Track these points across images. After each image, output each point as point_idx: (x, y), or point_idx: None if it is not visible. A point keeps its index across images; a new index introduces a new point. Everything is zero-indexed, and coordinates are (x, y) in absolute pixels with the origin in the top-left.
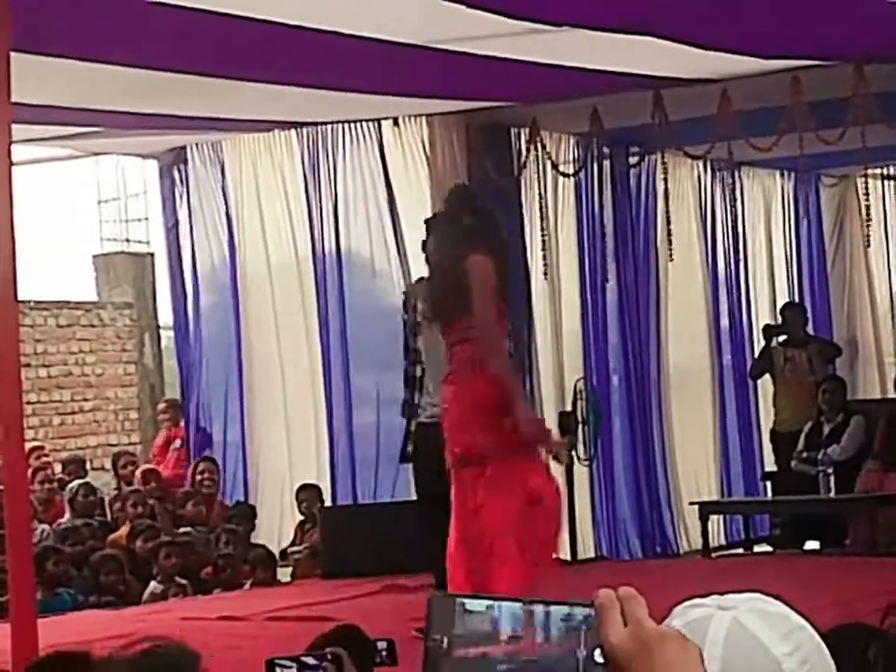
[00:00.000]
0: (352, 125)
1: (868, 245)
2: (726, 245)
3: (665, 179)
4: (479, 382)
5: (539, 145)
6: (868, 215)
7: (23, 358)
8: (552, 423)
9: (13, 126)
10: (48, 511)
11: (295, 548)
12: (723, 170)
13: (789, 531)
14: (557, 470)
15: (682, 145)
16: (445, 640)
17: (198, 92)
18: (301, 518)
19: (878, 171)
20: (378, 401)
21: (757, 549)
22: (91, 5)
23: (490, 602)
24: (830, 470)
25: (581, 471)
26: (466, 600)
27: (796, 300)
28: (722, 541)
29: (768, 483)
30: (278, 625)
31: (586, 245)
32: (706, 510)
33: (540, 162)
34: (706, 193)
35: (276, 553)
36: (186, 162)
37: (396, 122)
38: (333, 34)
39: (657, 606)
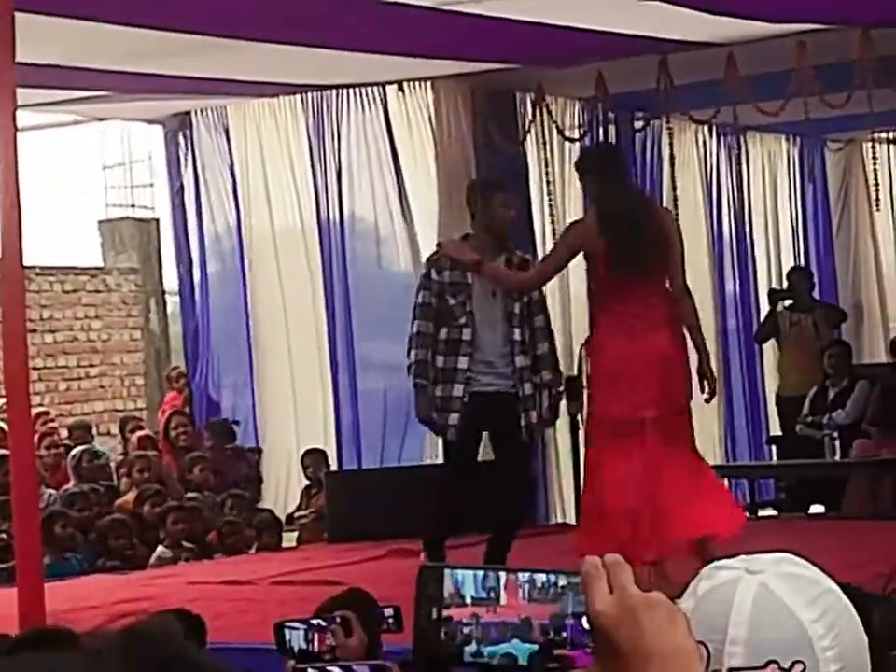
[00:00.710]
0: (356, 90)
1: (878, 209)
2: (731, 210)
3: (671, 144)
4: (683, 337)
5: (544, 110)
6: (876, 179)
7: (29, 324)
8: None
9: (18, 91)
10: (54, 477)
11: (301, 512)
12: (729, 134)
13: (794, 495)
14: (564, 434)
15: (687, 109)
16: (435, 609)
17: (202, 53)
18: (307, 483)
19: (884, 135)
20: (383, 367)
21: (762, 513)
22: None
23: (478, 571)
24: (835, 434)
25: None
26: (456, 570)
27: (802, 264)
28: None
29: (773, 448)
30: (284, 589)
31: None
32: None
33: (546, 127)
34: (711, 158)
35: (283, 517)
36: (191, 128)
37: (401, 88)
38: None
39: None
